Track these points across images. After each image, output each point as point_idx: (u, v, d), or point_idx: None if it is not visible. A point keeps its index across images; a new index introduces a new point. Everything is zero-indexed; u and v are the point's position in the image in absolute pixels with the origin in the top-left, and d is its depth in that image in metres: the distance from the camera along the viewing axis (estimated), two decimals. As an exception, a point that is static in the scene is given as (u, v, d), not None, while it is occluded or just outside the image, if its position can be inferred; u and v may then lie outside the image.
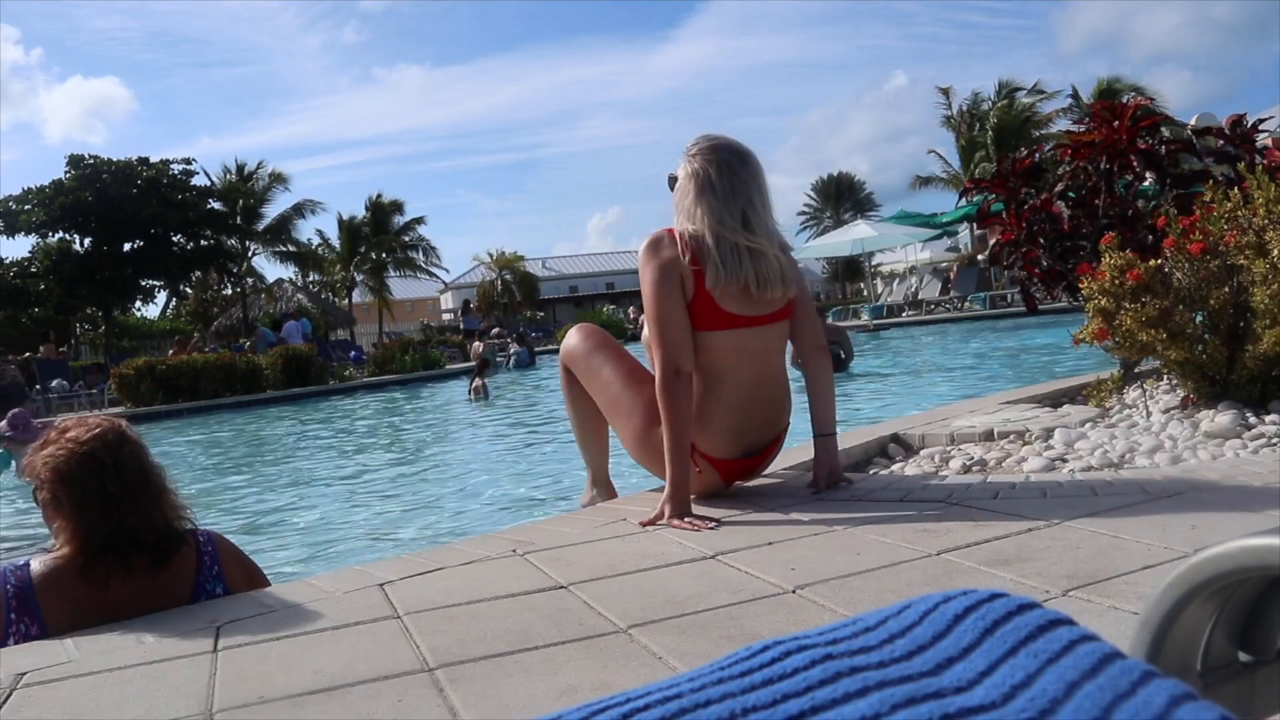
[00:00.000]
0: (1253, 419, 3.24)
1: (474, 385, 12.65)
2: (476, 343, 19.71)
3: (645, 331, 2.62)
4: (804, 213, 60.77)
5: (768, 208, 2.60)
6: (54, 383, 18.85)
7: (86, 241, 30.90)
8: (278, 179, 35.96)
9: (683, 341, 2.46)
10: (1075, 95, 33.35)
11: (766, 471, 3.02)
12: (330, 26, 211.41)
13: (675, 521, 2.38)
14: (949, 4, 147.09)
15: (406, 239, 40.74)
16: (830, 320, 17.16)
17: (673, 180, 2.66)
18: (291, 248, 37.13)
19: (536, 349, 25.21)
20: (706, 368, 2.54)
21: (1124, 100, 5.67)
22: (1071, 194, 5.23)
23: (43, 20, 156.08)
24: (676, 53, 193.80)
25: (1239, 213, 3.42)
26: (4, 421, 7.41)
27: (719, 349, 2.51)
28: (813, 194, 60.79)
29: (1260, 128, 5.34)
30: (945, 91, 35.93)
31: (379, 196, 40.18)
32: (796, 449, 3.76)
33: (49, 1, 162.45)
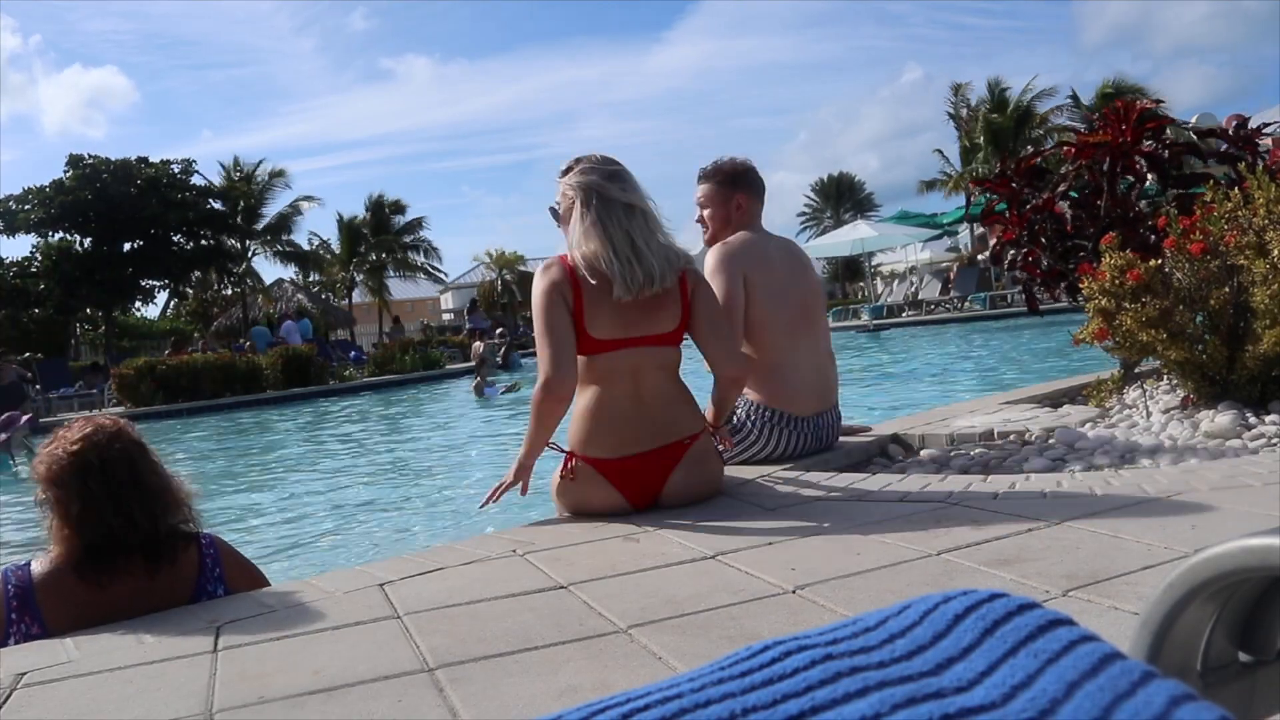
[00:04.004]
0: (1253, 419, 3.24)
1: (477, 383, 12.79)
2: (478, 343, 19.75)
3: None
4: (804, 213, 60.71)
5: (649, 215, 2.74)
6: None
7: (86, 241, 30.83)
8: (278, 175, 35.89)
9: (561, 354, 2.65)
10: (1075, 96, 33.22)
11: (765, 471, 3.02)
12: (330, 26, 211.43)
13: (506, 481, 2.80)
14: (950, 4, 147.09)
15: (407, 239, 40.70)
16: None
17: (554, 211, 2.84)
18: (290, 247, 37.09)
19: (532, 349, 25.09)
20: (585, 383, 2.74)
21: (1131, 101, 5.64)
22: (1074, 194, 5.21)
23: (37, 23, 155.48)
24: (674, 53, 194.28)
25: (1239, 213, 3.42)
26: None
27: (592, 370, 2.72)
28: (813, 194, 60.72)
29: (1264, 130, 5.31)
30: (957, 89, 35.44)
31: (379, 196, 40.15)
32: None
33: (43, 3, 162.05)
